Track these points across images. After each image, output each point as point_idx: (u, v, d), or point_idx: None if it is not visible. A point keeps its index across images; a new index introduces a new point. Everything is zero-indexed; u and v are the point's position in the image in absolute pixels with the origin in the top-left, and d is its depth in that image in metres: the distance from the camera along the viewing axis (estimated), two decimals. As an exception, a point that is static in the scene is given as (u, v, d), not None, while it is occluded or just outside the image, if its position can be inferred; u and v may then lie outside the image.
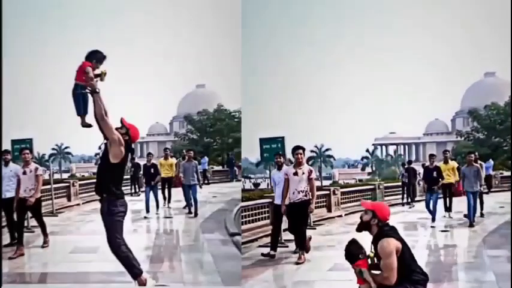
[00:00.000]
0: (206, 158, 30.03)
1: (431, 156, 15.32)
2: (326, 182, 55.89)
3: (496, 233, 12.54)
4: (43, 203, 16.21)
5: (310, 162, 56.69)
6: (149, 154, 17.22)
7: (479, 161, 16.02)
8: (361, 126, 76.63)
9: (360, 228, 5.33)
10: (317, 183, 12.59)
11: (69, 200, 18.16)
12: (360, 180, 41.67)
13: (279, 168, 10.59)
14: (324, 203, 16.77)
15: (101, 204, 6.59)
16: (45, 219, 11.07)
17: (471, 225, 13.44)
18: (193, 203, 14.96)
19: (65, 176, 52.83)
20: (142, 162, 17.86)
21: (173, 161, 17.54)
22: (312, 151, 59.93)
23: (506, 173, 29.04)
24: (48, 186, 16.28)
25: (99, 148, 6.47)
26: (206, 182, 25.40)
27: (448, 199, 15.39)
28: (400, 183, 21.35)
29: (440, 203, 14.64)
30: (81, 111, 6.63)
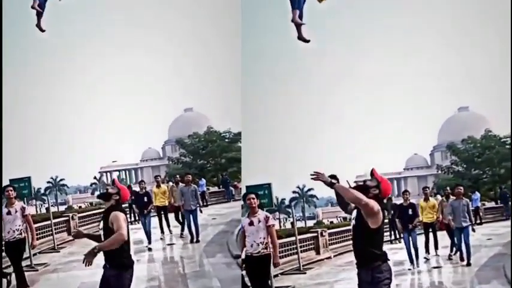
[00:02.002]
0: (204, 180, 29.94)
1: (405, 192, 14.18)
2: (310, 222, 54.52)
3: (488, 267, 12.31)
4: (43, 239, 16.35)
5: (293, 203, 57.66)
6: (141, 182, 16.68)
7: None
8: (342, 164, 77.03)
9: (358, 188, 5.48)
10: (300, 225, 12.53)
11: (69, 234, 18.00)
12: (344, 219, 42.34)
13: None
14: (312, 246, 16.37)
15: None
16: (47, 255, 10.94)
17: (468, 264, 12.57)
18: (194, 229, 14.76)
19: (62, 208, 52.40)
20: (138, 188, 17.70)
21: (166, 187, 16.90)
22: (294, 192, 60.60)
23: (489, 204, 29.81)
24: (48, 222, 16.23)
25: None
26: (205, 204, 25.33)
27: (431, 239, 14.35)
28: (386, 220, 20.87)
29: (421, 242, 13.76)
30: None
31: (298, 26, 7.98)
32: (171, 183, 17.53)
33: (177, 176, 21.64)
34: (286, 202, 59.01)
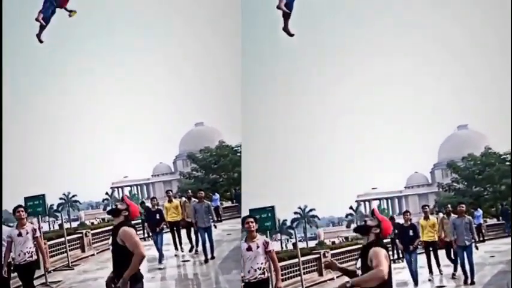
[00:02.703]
0: (217, 195, 29.58)
1: (406, 213, 13.91)
2: (311, 243, 56.37)
3: (492, 285, 12.20)
4: (58, 257, 16.31)
5: (294, 224, 57.89)
6: (153, 198, 16.24)
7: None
8: (342, 184, 76.90)
9: (358, 230, 5.51)
10: (302, 245, 12.42)
11: (83, 251, 17.92)
12: (346, 238, 42.49)
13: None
14: (315, 267, 16.16)
15: None
16: (61, 273, 10.82)
17: (472, 283, 12.36)
18: (208, 246, 14.39)
19: (74, 224, 52.42)
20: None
21: (178, 202, 16.37)
22: (295, 213, 60.85)
23: (491, 221, 29.67)
24: (62, 239, 16.17)
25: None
26: (219, 219, 25.01)
27: (433, 258, 13.96)
28: (388, 239, 20.35)
29: (423, 261, 13.65)
30: None
31: (285, 17, 8.03)
32: (183, 198, 17.03)
33: (189, 191, 21.24)
34: (287, 223, 59.07)
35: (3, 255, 9.38)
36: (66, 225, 24.06)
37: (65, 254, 15.96)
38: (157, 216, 14.79)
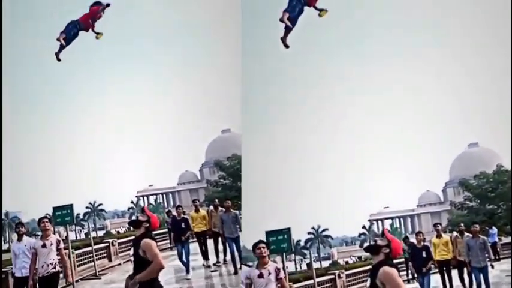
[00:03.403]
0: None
1: (419, 234, 13.54)
2: (325, 263, 54.88)
3: None
4: (85, 266, 16.32)
5: (308, 244, 57.68)
6: (179, 207, 15.92)
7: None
8: (355, 203, 77.02)
9: (369, 249, 5.58)
10: (315, 265, 12.37)
11: (109, 260, 17.91)
12: (359, 258, 42.27)
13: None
14: None
15: None
16: (89, 282, 10.76)
17: None
18: (237, 256, 14.08)
19: (100, 233, 52.87)
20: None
21: (205, 212, 15.84)
22: (309, 233, 61.15)
23: (506, 239, 28.73)
24: (89, 248, 16.18)
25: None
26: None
27: (447, 279, 13.68)
28: (402, 259, 19.75)
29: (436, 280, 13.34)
30: None
31: (286, 29, 8.29)
32: (211, 207, 16.62)
33: (216, 200, 20.79)
34: (301, 243, 59.28)
35: (29, 268, 9.33)
36: (92, 234, 24.12)
37: (92, 263, 15.99)
38: (183, 225, 14.32)
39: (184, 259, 14.04)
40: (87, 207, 66.29)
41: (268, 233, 12.51)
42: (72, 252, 15.15)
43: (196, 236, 15.32)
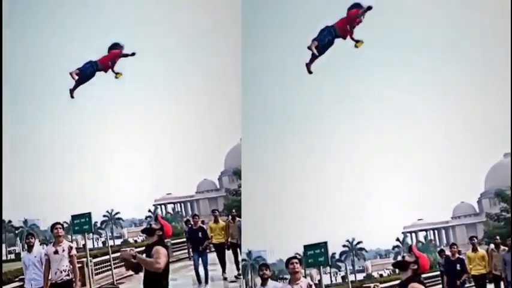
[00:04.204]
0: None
1: (453, 246, 13.28)
2: (359, 275, 55.59)
3: None
4: (102, 274, 16.20)
5: (343, 257, 58.27)
6: (195, 216, 15.40)
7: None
8: (389, 215, 76.58)
9: (397, 265, 5.73)
10: (350, 278, 12.32)
11: (127, 269, 17.75)
12: (394, 271, 41.90)
13: (263, 283, 8.45)
14: None
15: None
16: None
17: None
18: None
19: (117, 241, 52.93)
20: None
21: (224, 223, 15.11)
22: (344, 246, 61.25)
23: None
24: (107, 257, 16.07)
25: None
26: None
27: None
28: (438, 272, 17.93)
29: None
30: None
31: (313, 56, 8.22)
32: (230, 217, 16.07)
33: (233, 210, 20.05)
34: (336, 256, 59.21)
35: (43, 274, 9.21)
36: (110, 243, 24.06)
37: (110, 272, 15.89)
38: (200, 235, 13.87)
39: (202, 269, 13.67)
40: (104, 216, 66.44)
41: (306, 247, 12.69)
42: (90, 261, 15.06)
43: (215, 247, 14.81)
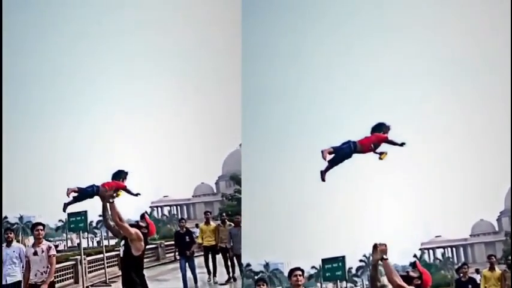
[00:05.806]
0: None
1: (463, 267, 12.97)
2: None
3: None
4: (96, 273, 16.39)
5: (359, 272, 58.35)
6: (181, 220, 15.32)
7: None
8: (407, 232, 76.43)
9: (402, 278, 5.72)
10: None
11: (120, 268, 17.93)
12: None
13: None
14: None
15: None
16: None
17: None
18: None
19: (112, 242, 52.97)
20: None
21: (215, 225, 14.98)
22: (360, 260, 61.04)
23: None
24: (100, 256, 16.28)
25: (120, 245, 7.29)
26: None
27: None
28: None
29: None
30: None
31: (329, 165, 7.43)
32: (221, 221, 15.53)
33: (224, 214, 19.74)
34: (353, 271, 59.14)
35: (23, 276, 9.17)
36: (105, 242, 24.27)
37: (103, 271, 16.09)
38: (187, 239, 13.67)
39: (189, 274, 13.48)
40: (100, 215, 66.30)
41: (324, 260, 12.60)
42: (84, 259, 15.28)
43: (205, 250, 14.75)
